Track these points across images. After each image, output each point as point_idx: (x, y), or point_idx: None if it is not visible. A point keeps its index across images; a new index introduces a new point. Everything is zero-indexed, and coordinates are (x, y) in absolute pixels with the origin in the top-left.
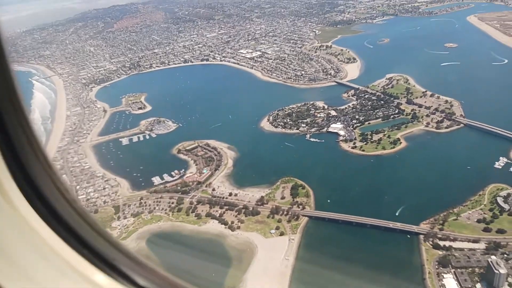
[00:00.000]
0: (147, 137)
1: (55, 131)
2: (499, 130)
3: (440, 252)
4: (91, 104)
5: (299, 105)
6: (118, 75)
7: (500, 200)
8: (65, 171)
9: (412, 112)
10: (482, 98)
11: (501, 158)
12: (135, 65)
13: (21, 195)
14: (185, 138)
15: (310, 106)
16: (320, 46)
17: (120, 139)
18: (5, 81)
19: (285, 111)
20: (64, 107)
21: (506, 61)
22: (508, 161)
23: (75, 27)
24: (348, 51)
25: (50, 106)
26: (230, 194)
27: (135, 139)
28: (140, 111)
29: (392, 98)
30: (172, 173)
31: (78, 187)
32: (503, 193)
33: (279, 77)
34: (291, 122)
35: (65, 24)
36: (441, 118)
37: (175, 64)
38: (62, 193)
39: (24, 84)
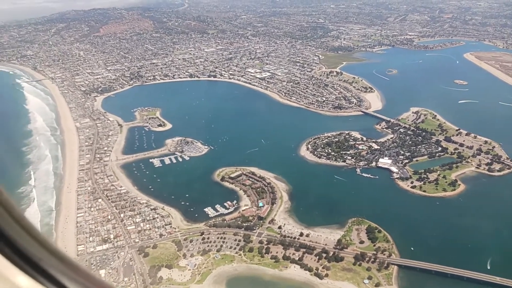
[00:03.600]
0: (180, 159)
1: (69, 145)
2: None
3: None
4: (100, 116)
5: (334, 134)
6: (121, 85)
7: None
8: (99, 194)
9: (456, 152)
10: None
11: None
12: (136, 75)
13: None
14: (223, 164)
15: (347, 137)
16: (330, 72)
17: (150, 160)
18: None
19: (322, 140)
20: (69, 117)
21: None
22: None
23: (56, 27)
24: (362, 80)
25: (54, 114)
26: (301, 235)
27: (167, 160)
28: (161, 129)
29: (428, 134)
30: (225, 204)
31: (122, 215)
32: None
33: (299, 101)
34: (334, 153)
35: (45, 24)
36: (490, 160)
37: (180, 78)
38: None
39: (10, 86)
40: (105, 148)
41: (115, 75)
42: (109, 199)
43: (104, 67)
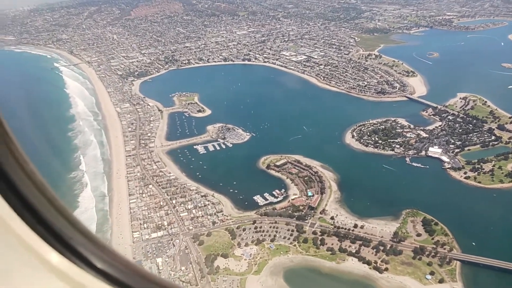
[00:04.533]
0: (223, 146)
1: (112, 130)
2: None
3: None
4: (140, 101)
5: (379, 120)
6: (157, 69)
7: None
8: (149, 181)
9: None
10: None
11: None
12: (171, 59)
13: None
14: (266, 151)
15: (393, 124)
16: (368, 55)
17: (194, 147)
18: None
19: (367, 127)
20: (109, 102)
21: None
22: None
23: (88, 11)
24: (402, 63)
25: (93, 99)
26: (356, 226)
27: (210, 147)
28: (200, 114)
29: (479, 122)
30: (274, 192)
31: (174, 201)
32: None
33: (339, 85)
34: (381, 142)
35: (77, 7)
36: None
37: (215, 61)
38: (20, 163)
39: (49, 70)
40: (149, 134)
41: (150, 59)
42: (159, 185)
43: (138, 50)
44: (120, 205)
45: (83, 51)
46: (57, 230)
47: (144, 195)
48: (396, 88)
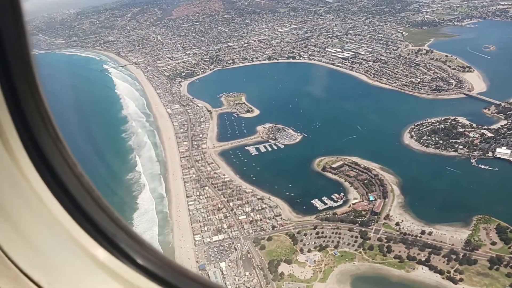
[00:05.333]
0: (274, 147)
1: (165, 131)
2: None
3: None
4: (189, 102)
5: (438, 119)
6: (202, 70)
7: None
8: (204, 182)
9: None
10: None
11: None
12: (215, 59)
13: (31, 164)
14: (320, 152)
15: (453, 123)
16: (418, 50)
17: (246, 148)
18: (20, 50)
19: (426, 126)
20: (159, 103)
21: None
22: None
23: (132, 12)
24: (456, 58)
25: (144, 100)
26: (423, 233)
27: (262, 148)
28: (249, 115)
29: None
30: (333, 196)
31: (231, 204)
32: None
33: (391, 83)
34: (443, 142)
35: (120, 9)
36: None
37: (259, 60)
38: (70, 166)
39: (99, 71)
40: (200, 135)
41: (195, 59)
42: (215, 187)
43: (182, 51)
44: (178, 207)
45: (130, 52)
46: (102, 228)
47: (201, 197)
48: (452, 84)
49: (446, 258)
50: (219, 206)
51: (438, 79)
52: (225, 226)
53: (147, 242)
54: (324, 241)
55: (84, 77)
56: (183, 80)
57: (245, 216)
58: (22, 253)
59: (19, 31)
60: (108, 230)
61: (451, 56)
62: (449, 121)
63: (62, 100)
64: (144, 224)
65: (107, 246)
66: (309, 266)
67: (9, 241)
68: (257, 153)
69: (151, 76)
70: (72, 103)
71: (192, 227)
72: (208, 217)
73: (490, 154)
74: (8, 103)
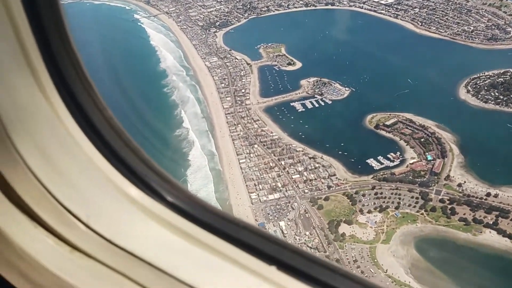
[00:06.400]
0: (321, 102)
1: (206, 86)
2: None
3: None
4: (227, 54)
5: (496, 72)
6: (237, 19)
7: None
8: (253, 140)
9: None
10: None
11: None
12: (248, 6)
13: (66, 110)
14: (371, 108)
15: None
16: None
17: (291, 104)
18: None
19: (483, 80)
20: (196, 55)
21: None
22: None
23: None
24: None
25: (180, 52)
26: (488, 195)
27: (308, 104)
28: (291, 68)
29: None
30: (389, 156)
31: (282, 163)
32: None
33: (441, 31)
34: (503, 97)
35: None
36: None
37: (295, 8)
38: (100, 109)
39: (130, 21)
40: (243, 91)
41: (228, 7)
42: (264, 145)
43: None
44: (230, 165)
45: (159, 0)
46: (133, 168)
47: (251, 155)
48: (510, 33)
49: None
50: (271, 164)
51: (493, 27)
52: (279, 185)
53: (176, 181)
54: (383, 202)
55: (117, 28)
56: (217, 30)
57: (298, 175)
58: (63, 190)
59: None
60: (139, 171)
61: (507, 0)
62: (508, 74)
63: (97, 53)
64: (199, 181)
65: (139, 184)
66: (370, 227)
67: (51, 181)
68: (304, 109)
69: (184, 26)
70: (109, 56)
71: (246, 185)
72: (261, 176)
73: None
74: (41, 50)
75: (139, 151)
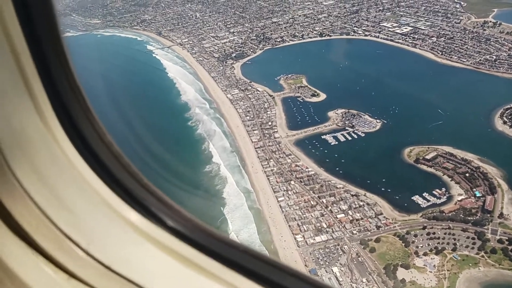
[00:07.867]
0: (354, 135)
1: (231, 119)
2: None
3: None
4: (247, 86)
5: None
6: (252, 50)
7: None
8: (288, 176)
9: None
10: None
11: None
12: (262, 37)
13: (64, 133)
14: (407, 141)
15: None
16: (484, 23)
17: (322, 137)
18: (51, 29)
19: None
20: (216, 87)
21: None
22: None
23: None
24: None
25: (200, 84)
26: None
27: (340, 137)
28: (315, 99)
29: None
30: (434, 192)
31: (323, 200)
32: None
33: (463, 61)
34: None
35: None
36: None
37: (310, 38)
38: (98, 134)
39: (144, 53)
40: (269, 123)
41: (241, 38)
42: (301, 182)
43: (226, 29)
44: (268, 203)
45: (171, 32)
46: (133, 192)
47: (289, 193)
48: None
49: None
50: (312, 203)
51: None
52: (324, 225)
53: (176, 205)
54: (438, 242)
55: (132, 58)
56: (234, 61)
57: (343, 215)
58: (62, 216)
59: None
60: (137, 194)
61: None
62: None
63: (115, 84)
64: (238, 221)
65: (138, 209)
66: (430, 272)
67: (50, 207)
68: (336, 142)
69: (200, 58)
70: (127, 88)
71: (289, 226)
72: (303, 215)
73: None
74: (40, 75)
75: (139, 176)
